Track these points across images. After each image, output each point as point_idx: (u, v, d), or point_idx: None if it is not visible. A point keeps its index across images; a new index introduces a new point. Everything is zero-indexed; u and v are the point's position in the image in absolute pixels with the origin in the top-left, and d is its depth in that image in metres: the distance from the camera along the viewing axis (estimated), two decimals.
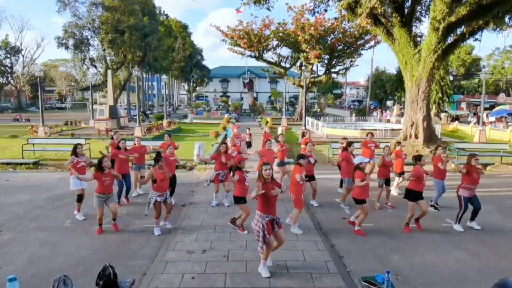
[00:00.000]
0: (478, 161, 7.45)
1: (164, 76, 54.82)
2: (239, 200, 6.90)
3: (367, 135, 10.91)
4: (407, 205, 7.31)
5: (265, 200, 5.31)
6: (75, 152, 7.96)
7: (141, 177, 9.27)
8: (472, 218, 7.54)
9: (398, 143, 10.15)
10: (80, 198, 7.98)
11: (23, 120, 36.67)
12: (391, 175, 9.26)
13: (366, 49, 40.06)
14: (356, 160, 7.36)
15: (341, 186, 10.20)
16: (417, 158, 7.59)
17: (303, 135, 13.30)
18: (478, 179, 7.31)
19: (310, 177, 8.74)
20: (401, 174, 9.71)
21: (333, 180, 10.85)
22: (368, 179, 6.91)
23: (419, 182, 7.18)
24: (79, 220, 7.85)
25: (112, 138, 10.46)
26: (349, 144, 9.25)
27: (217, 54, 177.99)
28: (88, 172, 8.37)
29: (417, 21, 22.08)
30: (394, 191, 9.92)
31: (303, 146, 11.53)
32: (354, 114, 40.51)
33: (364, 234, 7.10)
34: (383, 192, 9.07)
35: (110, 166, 7.08)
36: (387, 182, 8.98)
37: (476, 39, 18.60)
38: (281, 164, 10.58)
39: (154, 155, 8.02)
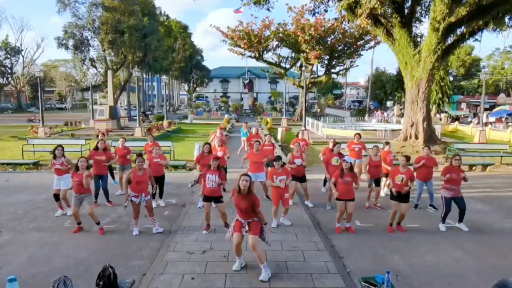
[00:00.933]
0: (458, 161, 7.34)
1: (164, 77, 54.74)
2: (203, 198, 7.06)
3: (354, 136, 10.62)
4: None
5: (236, 205, 5.59)
6: (54, 154, 8.10)
7: None
8: (460, 220, 7.49)
9: (387, 143, 9.99)
10: (57, 197, 8.17)
11: (37, 121, 36.37)
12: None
13: (366, 50, 40.18)
14: (333, 161, 7.79)
15: (324, 185, 10.28)
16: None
17: (297, 135, 13.30)
18: (458, 180, 7.23)
19: (300, 179, 8.68)
20: (386, 175, 9.40)
21: None
22: (344, 180, 6.91)
23: (396, 183, 7.13)
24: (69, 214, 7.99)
25: (124, 138, 10.50)
26: (335, 144, 9.09)
27: (216, 54, 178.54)
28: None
29: (417, 22, 22.18)
30: (382, 191, 9.67)
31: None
32: (367, 115, 40.07)
33: (341, 231, 7.24)
34: (373, 192, 9.00)
35: (84, 167, 7.07)
36: (377, 182, 8.89)
37: (476, 40, 18.69)
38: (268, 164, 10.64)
39: (134, 156, 8.03)
